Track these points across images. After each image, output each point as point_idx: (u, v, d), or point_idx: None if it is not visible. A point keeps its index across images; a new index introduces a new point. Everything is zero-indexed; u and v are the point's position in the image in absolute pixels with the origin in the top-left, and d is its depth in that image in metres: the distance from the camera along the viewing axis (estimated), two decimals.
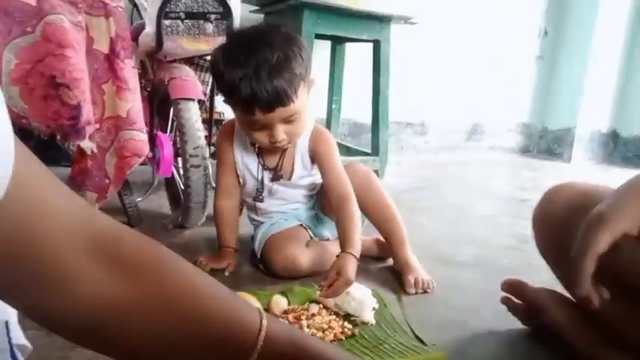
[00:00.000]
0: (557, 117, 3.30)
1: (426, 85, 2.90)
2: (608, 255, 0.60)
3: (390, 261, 1.21)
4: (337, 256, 0.97)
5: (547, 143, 3.38)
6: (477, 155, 3.20)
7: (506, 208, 1.94)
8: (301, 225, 1.15)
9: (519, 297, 0.92)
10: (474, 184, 2.36)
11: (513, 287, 0.93)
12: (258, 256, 1.12)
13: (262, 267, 1.11)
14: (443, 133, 3.08)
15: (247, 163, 1.12)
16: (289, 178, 1.13)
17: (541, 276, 0.90)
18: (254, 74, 0.90)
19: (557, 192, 0.89)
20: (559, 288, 0.87)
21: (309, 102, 1.03)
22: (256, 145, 1.09)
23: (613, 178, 2.64)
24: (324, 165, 1.09)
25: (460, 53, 2.96)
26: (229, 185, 1.13)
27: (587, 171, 2.95)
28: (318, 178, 1.16)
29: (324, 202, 1.16)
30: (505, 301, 0.93)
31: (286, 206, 1.17)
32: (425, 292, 1.06)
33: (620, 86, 3.23)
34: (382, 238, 1.22)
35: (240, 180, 1.14)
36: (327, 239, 1.19)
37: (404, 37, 2.44)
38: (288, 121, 0.98)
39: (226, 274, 1.07)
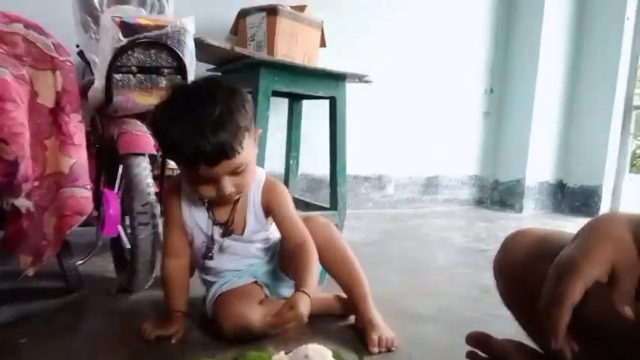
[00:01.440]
0: (507, 169, 3.45)
1: (382, 140, 2.98)
2: (578, 305, 0.58)
3: (352, 319, 1.16)
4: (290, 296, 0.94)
5: (499, 195, 3.50)
6: (433, 208, 3.26)
7: (464, 259, 1.95)
8: (256, 282, 1.10)
9: (485, 350, 0.89)
10: (432, 236, 2.38)
11: (478, 341, 0.89)
12: (210, 316, 1.05)
13: (214, 329, 1.03)
14: (400, 186, 3.13)
15: (196, 219, 1.07)
16: (242, 233, 1.08)
17: (504, 327, 0.88)
18: (197, 130, 0.88)
19: (516, 239, 0.89)
20: (523, 338, 0.85)
21: (255, 153, 1.02)
22: (206, 200, 1.05)
23: (563, 226, 2.74)
24: (279, 215, 1.06)
25: (413, 110, 3.09)
26: (177, 243, 1.07)
27: (538, 220, 3.04)
28: (272, 233, 1.12)
29: (283, 258, 1.12)
30: (471, 355, 0.90)
31: (240, 262, 1.11)
32: (389, 350, 1.02)
33: (563, 139, 3.43)
34: (343, 295, 1.18)
35: (189, 237, 1.08)
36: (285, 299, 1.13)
37: (359, 94, 2.52)
38: (234, 173, 0.95)
39: (173, 341, 0.98)
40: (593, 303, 0.62)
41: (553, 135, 3.40)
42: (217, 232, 1.07)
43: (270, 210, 1.07)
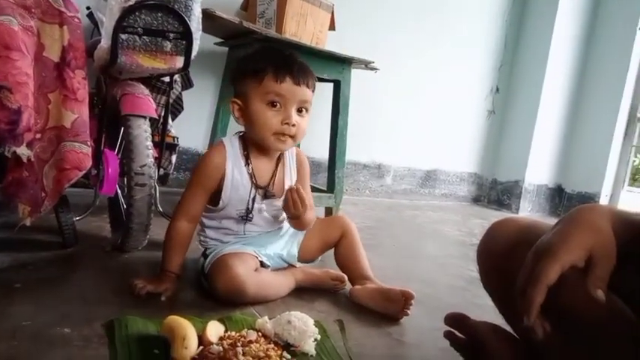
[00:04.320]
0: (506, 169, 3.46)
1: (384, 129, 2.98)
2: (553, 287, 0.60)
3: (339, 295, 1.20)
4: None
5: (497, 194, 3.51)
6: (430, 201, 3.28)
7: (455, 251, 1.97)
8: (257, 257, 1.12)
9: (462, 331, 0.91)
10: (426, 228, 2.40)
11: (456, 321, 0.92)
12: (206, 271, 1.08)
13: (207, 286, 1.07)
14: (398, 177, 3.14)
15: (238, 183, 1.10)
16: (280, 197, 1.15)
17: (487, 316, 0.89)
18: (289, 56, 1.09)
19: (500, 226, 0.91)
20: (503, 323, 0.87)
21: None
22: (250, 165, 1.11)
23: None
24: (301, 184, 1.16)
25: (417, 102, 3.09)
26: (196, 208, 1.10)
27: None
28: None
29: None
30: (448, 335, 0.92)
31: (267, 226, 1.18)
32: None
33: (565, 144, 3.44)
34: (333, 271, 1.22)
35: (221, 203, 1.11)
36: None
37: (365, 81, 2.52)
38: (299, 109, 1.08)
39: (163, 298, 1.00)
40: (570, 292, 0.64)
41: (555, 139, 3.40)
42: (258, 196, 1.12)
43: (298, 178, 1.19)
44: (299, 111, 1.08)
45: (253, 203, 1.12)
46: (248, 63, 1.09)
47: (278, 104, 1.05)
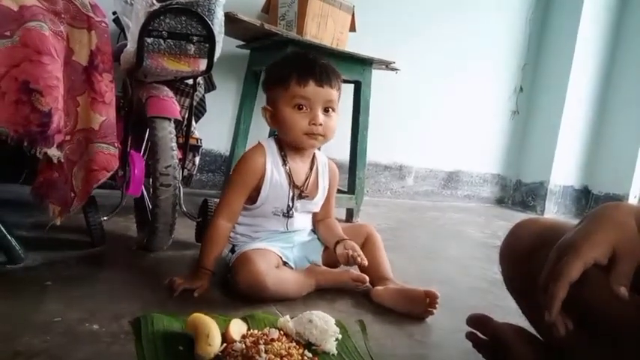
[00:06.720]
0: (531, 171, 3.39)
1: (406, 130, 2.97)
2: (575, 285, 0.59)
3: (358, 294, 1.20)
4: (337, 242, 1.17)
5: (521, 195, 3.45)
6: (452, 202, 3.24)
7: (478, 253, 1.95)
8: (280, 255, 1.15)
9: (484, 332, 0.90)
10: (448, 229, 2.37)
11: (478, 322, 0.91)
12: (230, 265, 1.12)
13: (231, 279, 1.09)
14: (420, 178, 3.12)
15: (277, 182, 1.15)
16: (312, 198, 1.21)
17: (509, 318, 0.88)
18: (311, 60, 1.12)
19: (523, 226, 0.90)
20: (526, 325, 0.86)
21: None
22: (287, 165, 1.16)
23: None
24: (331, 192, 1.28)
25: (439, 103, 3.06)
26: (236, 208, 1.14)
27: None
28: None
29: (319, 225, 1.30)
30: (470, 336, 0.91)
31: (300, 225, 1.23)
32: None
33: (592, 145, 3.35)
34: (353, 271, 1.21)
35: (259, 201, 1.15)
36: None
37: (385, 82, 2.52)
38: (326, 109, 1.11)
39: (195, 294, 1.04)
40: (593, 289, 0.62)
41: (581, 139, 3.32)
42: (296, 195, 1.18)
43: (330, 186, 1.27)
44: (325, 111, 1.12)
45: (293, 201, 1.17)
46: (274, 71, 1.15)
47: (304, 107, 1.10)
